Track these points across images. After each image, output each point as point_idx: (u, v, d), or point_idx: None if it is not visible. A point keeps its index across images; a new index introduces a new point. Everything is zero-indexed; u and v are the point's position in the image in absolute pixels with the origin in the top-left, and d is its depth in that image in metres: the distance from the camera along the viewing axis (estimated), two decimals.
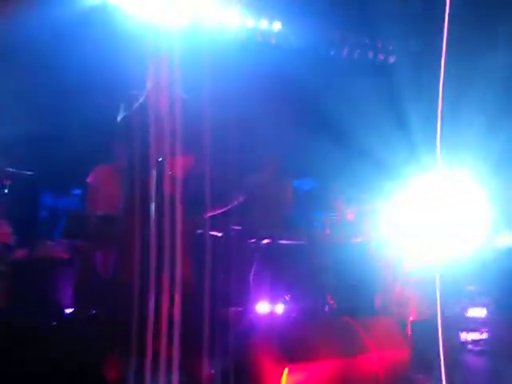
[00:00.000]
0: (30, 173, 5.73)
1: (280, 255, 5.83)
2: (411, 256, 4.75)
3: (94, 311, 4.62)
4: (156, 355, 2.60)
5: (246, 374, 3.52)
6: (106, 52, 5.86)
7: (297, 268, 5.99)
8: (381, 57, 8.10)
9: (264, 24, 7.46)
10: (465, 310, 5.33)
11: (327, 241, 5.33)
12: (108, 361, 3.10)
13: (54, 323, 3.79)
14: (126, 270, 2.87)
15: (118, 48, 5.26)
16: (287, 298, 5.19)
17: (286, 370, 3.38)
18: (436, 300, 3.67)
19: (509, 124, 6.21)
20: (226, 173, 3.59)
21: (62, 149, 6.27)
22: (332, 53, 7.97)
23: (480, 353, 5.12)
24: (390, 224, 4.87)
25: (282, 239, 5.98)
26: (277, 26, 7.52)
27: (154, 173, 2.90)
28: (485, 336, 5.23)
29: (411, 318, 4.48)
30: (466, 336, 5.19)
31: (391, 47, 8.08)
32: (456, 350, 4.77)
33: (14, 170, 5.56)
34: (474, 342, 5.20)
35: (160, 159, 2.92)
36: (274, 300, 5.31)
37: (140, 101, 3.24)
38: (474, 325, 5.26)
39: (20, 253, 5.12)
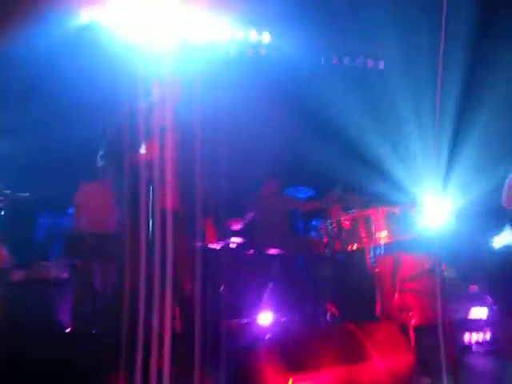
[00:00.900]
0: (25, 195, 5.73)
1: (279, 265, 5.83)
2: (409, 260, 4.75)
3: (93, 330, 4.58)
4: (160, 372, 2.58)
5: None
6: (99, 73, 5.86)
7: (297, 277, 5.99)
8: (371, 63, 8.15)
9: (253, 36, 7.51)
10: (467, 310, 5.31)
11: (325, 249, 5.32)
12: (110, 378, 3.07)
13: (54, 342, 3.76)
14: (129, 284, 2.86)
15: (108, 67, 5.26)
16: (283, 320, 5.20)
17: (290, 381, 3.36)
18: (438, 304, 3.67)
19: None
20: (228, 190, 3.58)
21: (57, 169, 6.27)
22: (323, 62, 8.02)
23: (484, 354, 5.11)
24: (387, 230, 4.87)
25: (282, 250, 5.98)
26: (266, 37, 7.57)
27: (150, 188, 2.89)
28: (488, 336, 5.21)
29: (413, 322, 4.47)
30: (470, 337, 5.17)
31: (380, 53, 8.13)
32: (460, 352, 4.75)
33: (10, 192, 5.56)
34: (478, 343, 5.18)
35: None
36: (275, 310, 5.29)
37: (129, 118, 3.23)
38: (476, 325, 5.24)
39: (18, 274, 5.11)
